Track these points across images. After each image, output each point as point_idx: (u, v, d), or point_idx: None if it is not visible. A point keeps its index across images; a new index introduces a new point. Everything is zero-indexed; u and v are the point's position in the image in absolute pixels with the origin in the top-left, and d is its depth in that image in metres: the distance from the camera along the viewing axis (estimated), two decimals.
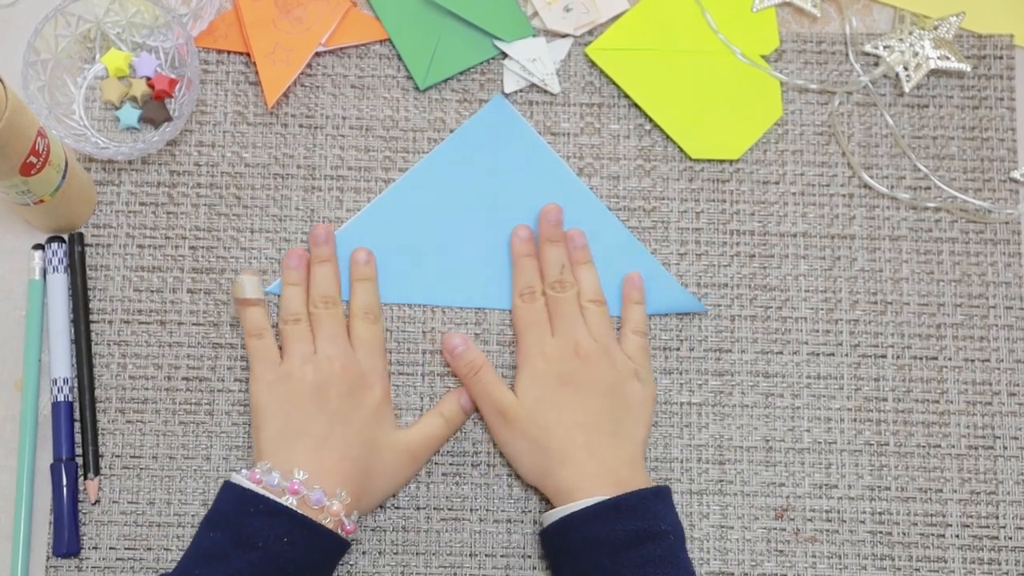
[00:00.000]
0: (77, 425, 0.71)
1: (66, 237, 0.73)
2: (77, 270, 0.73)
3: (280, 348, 0.70)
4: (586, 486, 0.65)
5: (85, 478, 0.71)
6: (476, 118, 0.76)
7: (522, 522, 0.71)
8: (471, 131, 0.76)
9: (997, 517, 0.72)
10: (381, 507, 0.71)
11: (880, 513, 0.72)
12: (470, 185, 0.75)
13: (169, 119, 0.75)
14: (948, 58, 0.76)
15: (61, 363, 0.71)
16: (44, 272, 0.73)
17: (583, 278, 0.73)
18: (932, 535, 0.72)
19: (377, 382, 0.69)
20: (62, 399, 0.71)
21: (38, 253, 0.73)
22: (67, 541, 0.69)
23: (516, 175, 0.75)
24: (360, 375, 0.69)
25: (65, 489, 0.70)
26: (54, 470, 0.70)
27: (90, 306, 0.73)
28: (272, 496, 0.63)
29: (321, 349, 0.69)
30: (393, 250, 0.74)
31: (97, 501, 0.71)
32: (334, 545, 0.64)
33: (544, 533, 0.67)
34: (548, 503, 0.69)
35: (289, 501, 0.63)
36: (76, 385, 0.72)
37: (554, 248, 0.73)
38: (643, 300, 0.73)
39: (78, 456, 0.71)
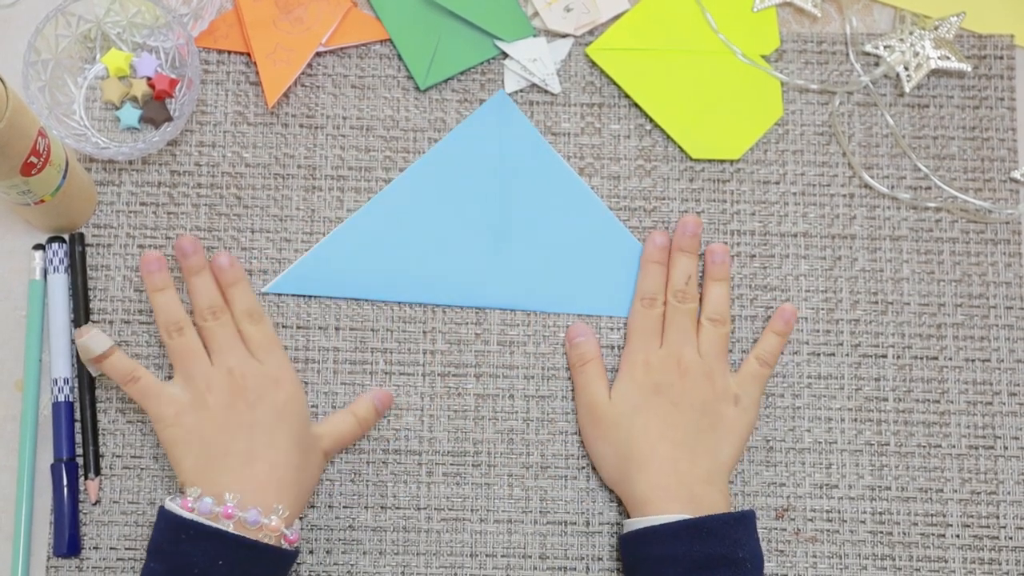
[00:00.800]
0: (77, 425, 0.71)
1: (66, 237, 0.73)
2: (78, 270, 0.73)
3: (172, 369, 0.68)
4: (660, 498, 0.65)
5: (86, 478, 0.71)
6: (477, 114, 0.76)
7: (522, 522, 0.71)
8: (472, 127, 0.76)
9: (998, 517, 0.72)
10: (382, 508, 0.71)
11: (880, 513, 0.72)
12: (470, 181, 0.75)
13: (169, 119, 0.75)
14: (948, 58, 0.76)
15: (61, 363, 0.71)
16: (44, 272, 0.73)
17: (712, 294, 0.72)
18: (932, 535, 0.72)
19: (283, 378, 0.67)
20: (62, 399, 0.71)
21: (39, 253, 0.73)
22: (67, 541, 0.69)
23: (517, 172, 0.75)
24: (265, 377, 0.67)
25: (65, 489, 0.70)
26: (54, 470, 0.70)
27: (90, 306, 0.73)
28: (204, 520, 0.62)
29: (219, 362, 0.67)
30: (393, 247, 0.74)
31: (97, 501, 0.71)
32: (275, 558, 0.63)
33: (623, 539, 0.67)
34: (622, 508, 0.69)
35: (226, 525, 0.62)
36: (76, 385, 0.72)
37: (685, 257, 0.72)
38: (785, 333, 0.72)
39: (78, 456, 0.71)
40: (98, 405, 0.72)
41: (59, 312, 0.72)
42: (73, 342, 0.72)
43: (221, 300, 0.70)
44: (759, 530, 0.71)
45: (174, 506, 0.63)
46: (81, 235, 0.73)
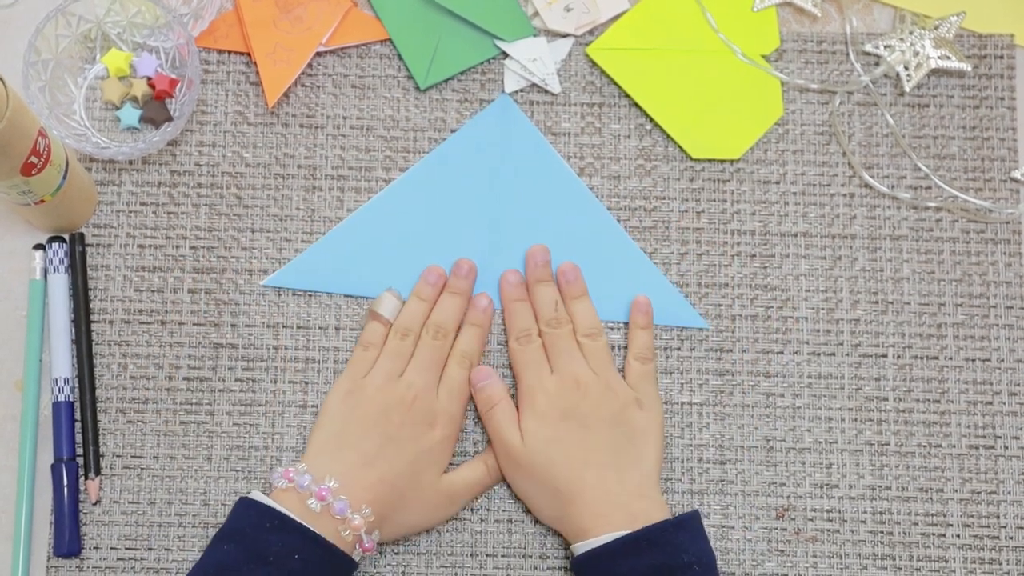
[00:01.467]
0: (77, 425, 0.71)
1: (67, 237, 0.73)
2: (78, 270, 0.73)
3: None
4: (599, 525, 0.65)
5: (86, 478, 0.71)
6: (480, 116, 0.76)
7: (522, 522, 0.71)
8: (475, 129, 0.76)
9: (998, 517, 0.72)
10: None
11: (881, 513, 0.72)
12: (472, 183, 0.75)
13: (170, 119, 0.75)
14: (949, 58, 0.76)
15: (62, 363, 0.71)
16: (45, 272, 0.73)
17: (577, 312, 0.72)
18: (933, 535, 0.72)
19: (445, 425, 0.69)
20: (63, 399, 0.71)
21: (39, 253, 0.73)
22: (68, 541, 0.69)
23: (519, 175, 0.76)
24: (431, 411, 0.68)
25: (66, 489, 0.70)
26: (55, 470, 0.70)
27: (91, 306, 0.73)
28: (289, 513, 0.63)
29: (408, 373, 0.69)
30: (393, 245, 0.74)
31: (98, 501, 0.71)
32: (344, 565, 0.64)
33: (573, 566, 0.67)
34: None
35: (314, 505, 0.63)
36: (77, 385, 0.72)
37: (545, 287, 0.73)
38: (649, 325, 0.73)
39: (79, 456, 0.71)
40: (98, 405, 0.72)
41: (59, 312, 0.72)
42: (73, 342, 0.72)
43: (453, 327, 0.71)
44: (759, 530, 0.71)
45: (262, 496, 0.64)
46: (82, 235, 0.74)
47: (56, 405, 0.71)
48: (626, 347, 0.73)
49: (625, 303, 0.74)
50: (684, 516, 0.66)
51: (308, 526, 0.63)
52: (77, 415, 0.71)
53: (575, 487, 0.66)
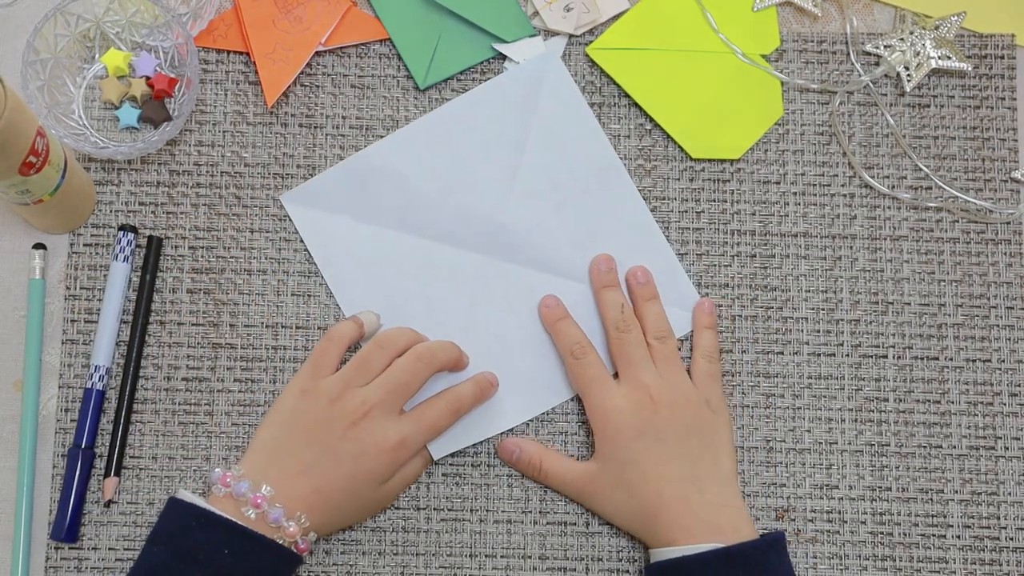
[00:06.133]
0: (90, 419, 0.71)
1: (147, 236, 0.73)
2: (149, 270, 0.73)
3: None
4: (684, 537, 0.65)
5: (105, 476, 0.71)
6: (522, 67, 0.75)
7: (522, 522, 0.71)
8: (515, 78, 0.75)
9: (998, 518, 0.72)
10: (381, 508, 0.71)
11: (881, 514, 0.72)
12: (501, 131, 0.75)
13: (169, 119, 0.75)
14: (949, 58, 0.76)
15: (104, 352, 0.71)
16: (43, 271, 0.73)
17: (649, 315, 0.71)
18: (933, 536, 0.72)
19: (396, 450, 0.65)
20: (99, 387, 0.71)
21: (39, 253, 0.73)
22: (67, 528, 0.69)
23: (552, 135, 0.75)
24: (382, 433, 0.65)
25: (77, 479, 0.70)
26: (71, 456, 0.70)
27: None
28: (217, 510, 0.62)
29: (369, 387, 0.66)
30: (412, 180, 0.74)
31: (109, 502, 0.70)
32: (279, 556, 0.63)
33: (649, 570, 0.66)
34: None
35: (250, 513, 0.63)
36: (114, 379, 0.72)
37: (612, 291, 0.72)
38: (714, 325, 0.73)
39: (95, 447, 0.71)
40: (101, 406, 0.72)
41: (114, 301, 0.72)
42: (120, 341, 0.72)
43: (444, 361, 0.69)
44: (760, 530, 0.71)
45: (188, 495, 0.64)
46: (160, 240, 0.73)
47: (87, 391, 0.71)
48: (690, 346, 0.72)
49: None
50: (775, 536, 0.66)
51: (234, 520, 0.62)
52: (104, 412, 0.72)
53: (654, 505, 0.66)
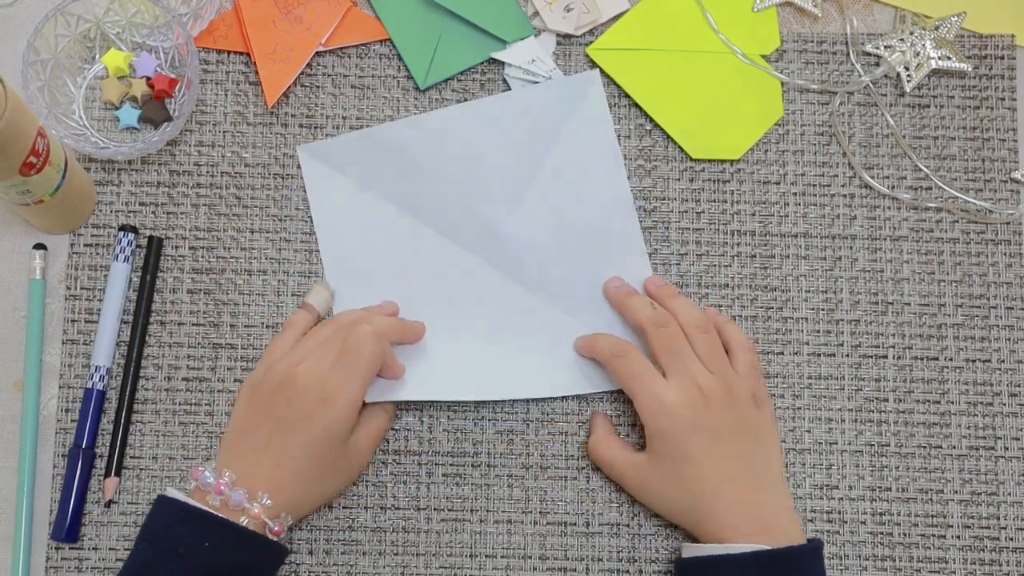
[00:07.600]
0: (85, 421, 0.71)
1: (147, 236, 0.73)
2: (150, 270, 0.73)
3: None
4: (734, 536, 0.65)
5: (105, 475, 0.71)
6: (564, 81, 0.76)
7: (522, 522, 0.71)
8: (551, 90, 0.75)
9: (998, 518, 0.72)
10: (381, 508, 0.71)
11: (881, 514, 0.72)
12: (523, 138, 0.75)
13: (169, 119, 0.75)
14: (949, 58, 0.76)
15: (104, 352, 0.71)
16: (44, 271, 0.73)
17: (681, 309, 0.70)
18: (933, 536, 0.72)
19: (340, 398, 0.65)
20: (100, 387, 0.71)
21: (39, 253, 0.73)
22: (68, 528, 0.69)
23: (571, 156, 0.75)
24: (320, 384, 0.65)
25: (77, 479, 0.70)
26: (71, 456, 0.70)
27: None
28: (194, 503, 0.63)
29: (308, 358, 0.66)
30: (425, 162, 0.74)
31: (109, 502, 0.70)
32: (259, 546, 0.63)
33: (684, 563, 0.66)
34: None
35: (214, 501, 0.63)
36: (114, 379, 0.72)
37: (635, 296, 0.72)
38: (729, 318, 0.73)
39: (96, 448, 0.71)
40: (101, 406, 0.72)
41: (115, 301, 0.72)
42: (121, 341, 0.72)
43: (365, 314, 0.70)
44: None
45: (175, 492, 0.64)
46: (160, 240, 0.74)
47: (88, 392, 0.71)
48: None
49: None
50: (815, 544, 0.65)
51: (215, 513, 0.62)
52: (101, 412, 0.72)
53: (709, 501, 0.66)
